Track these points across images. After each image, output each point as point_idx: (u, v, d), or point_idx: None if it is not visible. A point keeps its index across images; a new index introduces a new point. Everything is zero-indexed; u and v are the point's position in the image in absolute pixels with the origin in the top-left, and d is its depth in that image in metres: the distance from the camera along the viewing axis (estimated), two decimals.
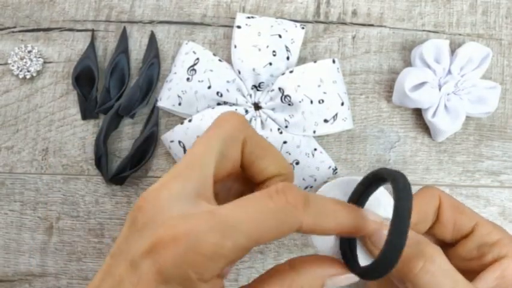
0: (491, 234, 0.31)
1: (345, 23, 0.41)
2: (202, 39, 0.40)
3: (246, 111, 0.37)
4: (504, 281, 0.29)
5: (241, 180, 0.28)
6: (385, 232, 0.27)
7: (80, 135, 0.40)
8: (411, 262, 0.27)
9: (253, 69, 0.36)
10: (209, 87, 0.36)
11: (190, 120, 0.37)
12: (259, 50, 0.37)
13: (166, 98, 0.38)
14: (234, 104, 0.37)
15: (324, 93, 0.36)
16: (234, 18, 0.38)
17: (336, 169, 0.38)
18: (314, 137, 0.38)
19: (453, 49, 0.39)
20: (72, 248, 0.39)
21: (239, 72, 0.37)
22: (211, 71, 0.37)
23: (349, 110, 0.37)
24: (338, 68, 0.37)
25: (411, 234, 0.29)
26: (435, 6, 0.41)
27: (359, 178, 0.29)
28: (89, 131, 0.40)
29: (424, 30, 0.40)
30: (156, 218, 0.22)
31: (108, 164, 0.38)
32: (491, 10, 0.41)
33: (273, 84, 0.37)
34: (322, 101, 0.36)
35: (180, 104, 0.37)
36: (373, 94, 0.40)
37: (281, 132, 0.36)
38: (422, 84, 0.37)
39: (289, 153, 0.36)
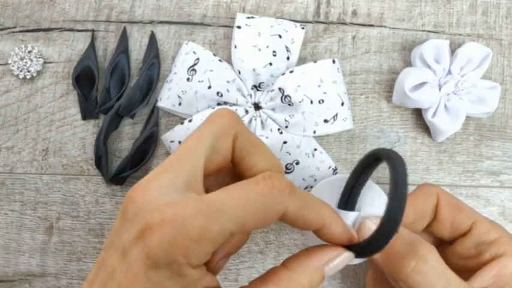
0: (490, 232, 0.31)
1: (345, 23, 0.41)
2: (202, 40, 0.40)
3: (246, 112, 0.37)
4: (500, 279, 0.29)
5: (232, 176, 0.28)
6: (369, 225, 0.28)
7: (80, 135, 0.40)
8: (403, 261, 0.27)
9: (254, 70, 0.36)
10: (209, 87, 0.36)
11: (190, 121, 0.37)
12: (259, 50, 0.37)
13: (167, 98, 0.38)
14: (234, 104, 0.37)
15: (324, 93, 0.36)
16: (234, 19, 0.38)
17: (336, 169, 0.38)
18: (314, 137, 0.38)
19: (453, 49, 0.39)
20: (72, 248, 0.39)
21: (239, 73, 0.37)
22: (211, 71, 0.37)
23: (349, 110, 0.37)
24: (338, 68, 0.37)
25: (405, 233, 0.29)
26: (435, 6, 0.41)
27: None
28: (89, 131, 0.40)
29: (424, 31, 0.40)
30: (145, 207, 0.23)
31: (108, 164, 0.38)
32: (491, 10, 0.41)
33: (273, 84, 0.37)
34: (322, 101, 0.36)
35: (180, 104, 0.37)
36: (373, 94, 0.40)
37: (281, 133, 0.36)
38: (422, 84, 0.37)
39: (289, 153, 0.36)
